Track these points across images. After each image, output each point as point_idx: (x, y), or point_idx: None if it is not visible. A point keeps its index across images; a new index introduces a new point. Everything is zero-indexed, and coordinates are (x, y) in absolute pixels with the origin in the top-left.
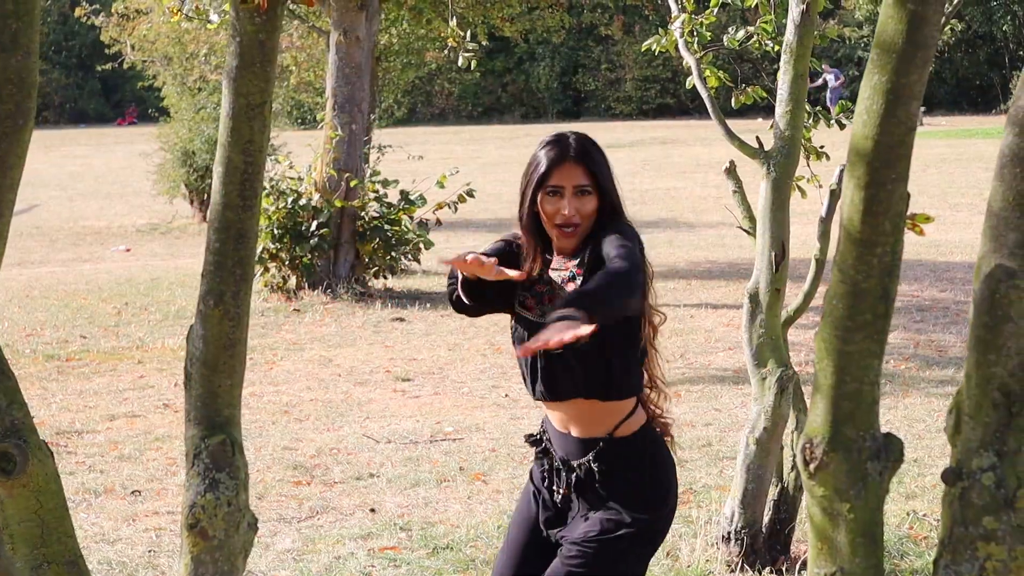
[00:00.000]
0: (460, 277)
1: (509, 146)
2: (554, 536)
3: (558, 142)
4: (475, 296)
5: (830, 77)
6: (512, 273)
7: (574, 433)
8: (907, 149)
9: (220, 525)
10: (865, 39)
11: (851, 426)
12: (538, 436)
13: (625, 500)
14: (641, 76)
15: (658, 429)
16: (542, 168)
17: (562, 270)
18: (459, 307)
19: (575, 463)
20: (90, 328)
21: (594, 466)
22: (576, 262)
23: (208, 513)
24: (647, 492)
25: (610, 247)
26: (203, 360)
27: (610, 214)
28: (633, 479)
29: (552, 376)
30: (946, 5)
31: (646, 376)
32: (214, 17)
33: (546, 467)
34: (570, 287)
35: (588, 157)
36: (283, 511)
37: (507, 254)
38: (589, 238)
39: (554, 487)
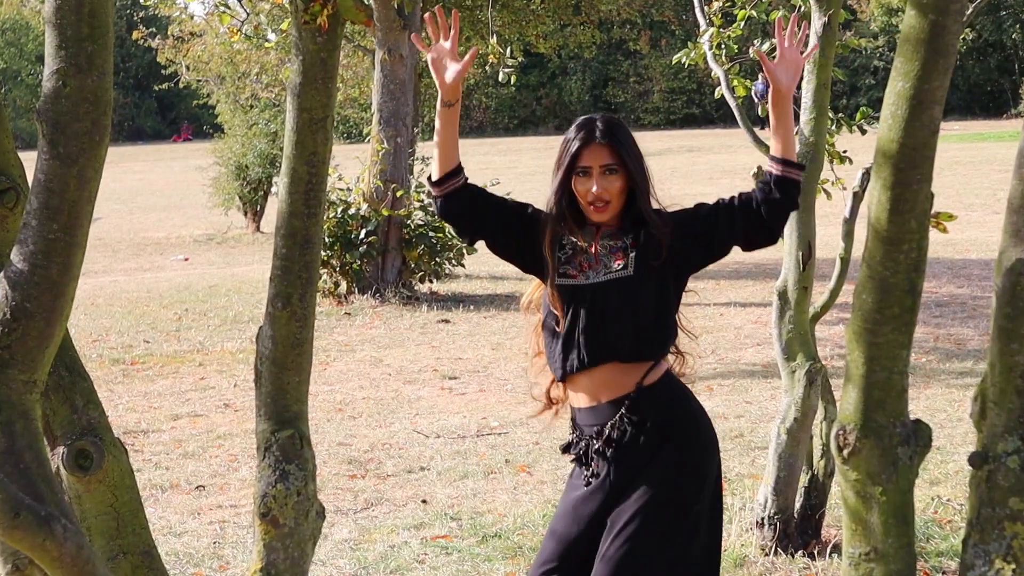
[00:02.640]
0: (461, 180)
1: (544, 156)
2: (608, 520)
3: (586, 125)
4: (471, 208)
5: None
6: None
7: (604, 399)
8: (931, 151)
9: (290, 514)
10: (880, 49)
11: (882, 413)
12: (571, 440)
13: (665, 451)
14: (668, 88)
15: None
16: (572, 150)
17: (615, 241)
18: (448, 205)
19: (608, 426)
20: (152, 333)
21: (627, 419)
22: (630, 237)
23: (279, 502)
24: (684, 436)
25: (702, 210)
26: (272, 359)
27: (641, 191)
28: (666, 425)
29: (597, 336)
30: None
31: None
32: (271, 36)
33: (583, 456)
34: (619, 259)
35: (613, 138)
36: (339, 503)
37: (526, 215)
38: (627, 214)
39: (592, 469)
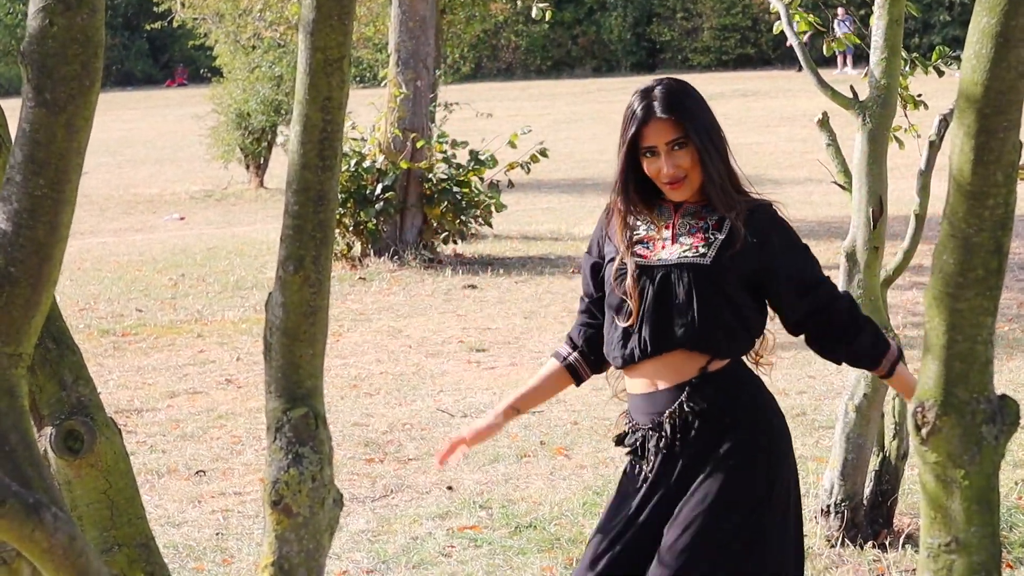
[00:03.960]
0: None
1: (581, 101)
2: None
3: (644, 98)
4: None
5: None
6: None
7: (662, 386)
8: (1018, 95)
9: (304, 501)
10: None
11: (964, 388)
12: (626, 430)
13: (730, 441)
14: (720, 25)
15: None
16: (632, 130)
17: (697, 220)
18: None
19: (666, 415)
20: (145, 301)
21: (687, 407)
22: (715, 217)
23: (292, 489)
24: (751, 426)
25: (808, 277)
26: (283, 329)
27: (712, 167)
28: (731, 413)
29: (662, 324)
30: None
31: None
32: None
33: (639, 449)
34: (698, 240)
35: (675, 109)
36: (356, 490)
37: (601, 272)
38: (706, 190)
39: (651, 464)
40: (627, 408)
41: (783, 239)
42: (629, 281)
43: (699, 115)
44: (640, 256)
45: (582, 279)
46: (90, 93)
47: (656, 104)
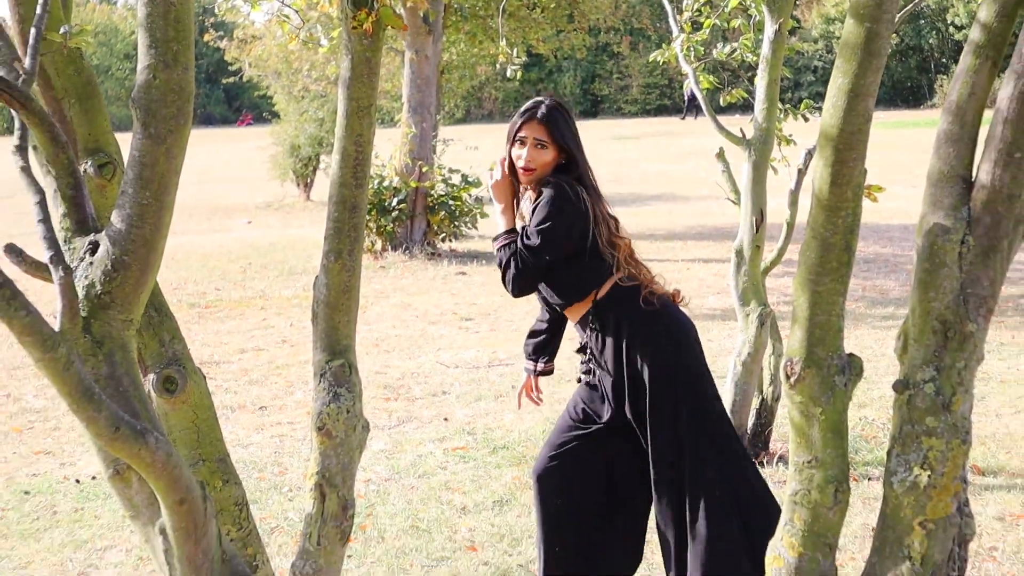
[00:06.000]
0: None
1: None
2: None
3: (531, 106)
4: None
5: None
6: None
7: (575, 319)
8: (864, 135)
9: (341, 427)
10: (819, 52)
11: (822, 348)
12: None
13: (626, 353)
14: (645, 83)
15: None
16: (516, 125)
17: (531, 204)
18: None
19: (585, 340)
20: (222, 282)
21: (592, 327)
22: (536, 198)
23: (332, 418)
24: (638, 334)
25: (533, 214)
26: (326, 302)
27: (569, 165)
28: (624, 322)
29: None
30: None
31: (622, 271)
32: (324, 42)
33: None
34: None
35: (551, 121)
36: (376, 420)
37: None
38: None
39: (585, 367)
40: None
41: (539, 202)
42: None
43: (567, 131)
44: None
45: None
46: (184, 129)
47: (538, 112)
